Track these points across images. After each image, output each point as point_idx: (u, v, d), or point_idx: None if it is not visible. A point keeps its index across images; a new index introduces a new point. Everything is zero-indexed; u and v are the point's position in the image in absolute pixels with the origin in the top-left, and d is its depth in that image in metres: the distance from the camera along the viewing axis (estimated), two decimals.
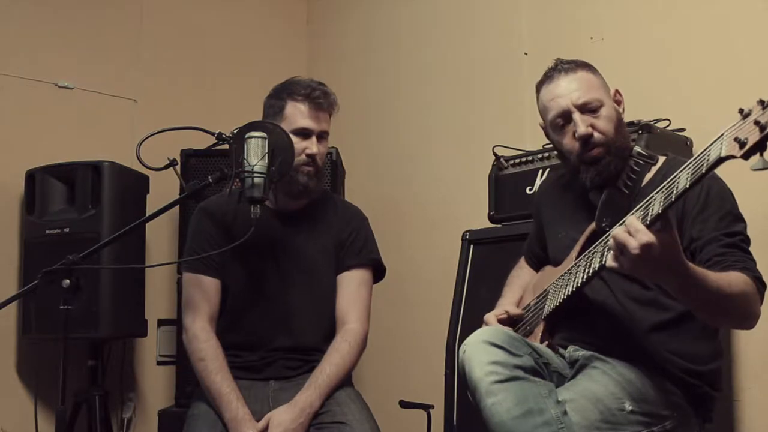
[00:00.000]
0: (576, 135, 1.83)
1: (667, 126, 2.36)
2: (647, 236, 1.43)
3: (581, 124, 1.82)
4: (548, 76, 1.92)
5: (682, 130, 2.37)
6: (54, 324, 1.99)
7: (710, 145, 1.37)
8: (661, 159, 1.88)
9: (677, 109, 2.43)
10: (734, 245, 1.69)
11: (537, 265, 2.17)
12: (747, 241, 1.73)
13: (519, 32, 3.10)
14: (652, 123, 2.29)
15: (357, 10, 3.90)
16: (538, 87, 1.95)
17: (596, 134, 1.83)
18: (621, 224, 1.52)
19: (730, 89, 2.35)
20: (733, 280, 1.59)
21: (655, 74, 2.62)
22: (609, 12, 2.81)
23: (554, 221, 2.06)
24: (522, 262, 2.23)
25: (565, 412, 1.59)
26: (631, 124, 2.24)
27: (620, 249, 1.47)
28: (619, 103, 1.93)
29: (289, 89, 2.20)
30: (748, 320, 1.65)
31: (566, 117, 1.86)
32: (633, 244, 1.44)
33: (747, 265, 1.66)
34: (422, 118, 3.46)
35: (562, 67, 1.91)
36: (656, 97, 2.56)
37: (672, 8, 2.61)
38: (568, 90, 1.86)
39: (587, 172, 1.85)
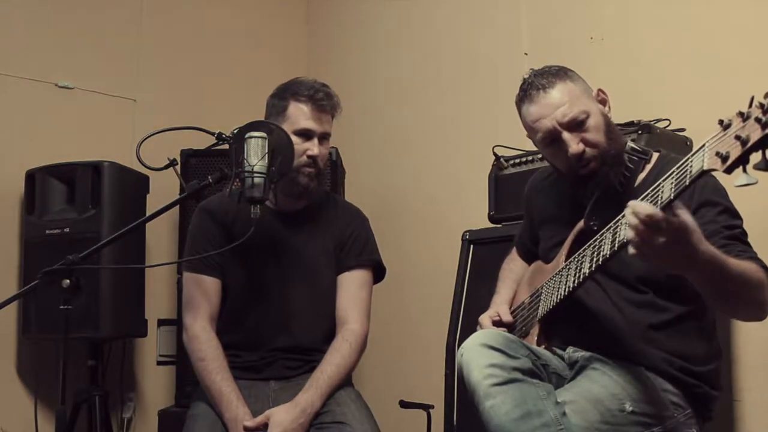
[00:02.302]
0: (568, 154, 1.79)
1: (667, 126, 2.36)
2: (666, 222, 1.38)
3: (571, 143, 1.78)
4: (527, 95, 1.85)
5: (682, 130, 2.37)
6: (54, 324, 2.00)
7: (692, 156, 1.36)
8: (654, 156, 1.87)
9: (677, 109, 2.42)
10: (735, 237, 1.68)
11: (529, 258, 2.16)
12: (746, 234, 1.73)
13: (519, 32, 3.10)
14: (652, 123, 2.28)
15: (357, 10, 3.90)
16: (518, 104, 1.89)
17: (588, 150, 1.79)
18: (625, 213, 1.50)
19: (729, 89, 2.35)
20: (749, 266, 1.57)
21: (655, 74, 2.62)
22: (609, 12, 2.81)
23: (544, 219, 2.06)
24: (514, 253, 2.23)
25: (564, 413, 1.59)
26: (631, 124, 2.25)
27: (642, 239, 1.42)
28: (604, 102, 1.88)
29: (292, 89, 2.20)
30: (763, 309, 1.62)
31: (553, 137, 1.81)
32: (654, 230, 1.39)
33: (752, 254, 1.65)
34: (422, 117, 3.46)
35: (539, 83, 1.82)
36: (656, 97, 2.56)
37: (672, 8, 2.61)
38: (550, 109, 1.80)
39: (585, 185, 1.83)
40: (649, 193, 1.48)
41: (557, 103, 1.80)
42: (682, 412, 1.74)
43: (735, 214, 1.74)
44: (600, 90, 1.89)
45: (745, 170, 1.24)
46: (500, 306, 2.03)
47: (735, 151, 1.24)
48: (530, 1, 3.08)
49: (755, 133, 1.21)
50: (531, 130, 1.88)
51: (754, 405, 2.30)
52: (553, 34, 2.98)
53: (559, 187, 2.02)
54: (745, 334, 2.30)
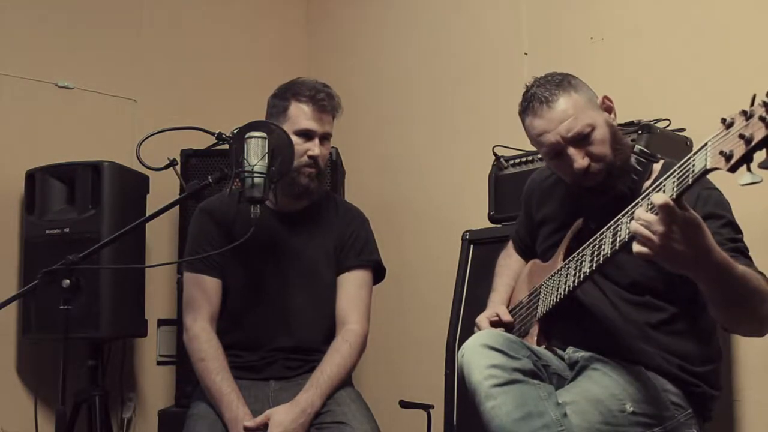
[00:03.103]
0: (573, 168, 1.78)
1: (667, 126, 2.36)
2: (675, 212, 1.36)
3: (576, 157, 1.76)
4: (531, 107, 1.82)
5: (682, 130, 2.37)
6: (54, 324, 1.99)
7: (694, 155, 1.35)
8: (660, 163, 1.86)
9: (677, 109, 2.43)
10: (738, 250, 1.67)
11: (525, 253, 2.16)
12: (748, 249, 1.72)
13: (519, 32, 3.10)
14: (652, 123, 2.28)
15: (356, 10, 3.90)
16: (521, 115, 1.87)
17: (593, 164, 1.77)
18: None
19: (730, 89, 2.35)
20: (754, 275, 1.55)
21: (655, 74, 2.62)
22: (609, 12, 2.81)
23: (544, 218, 2.06)
24: (510, 249, 2.22)
25: (564, 414, 1.59)
26: (631, 124, 2.25)
27: (644, 237, 1.39)
28: (609, 110, 1.85)
29: (293, 90, 2.20)
30: (764, 324, 1.59)
31: (558, 150, 1.79)
32: (658, 225, 1.37)
33: (754, 268, 1.63)
34: (422, 117, 3.46)
35: (542, 96, 1.79)
36: (656, 97, 2.56)
37: (672, 8, 2.61)
38: (554, 123, 1.77)
39: (592, 197, 1.82)
40: (650, 191, 1.47)
41: (561, 117, 1.77)
42: (682, 412, 1.75)
43: (738, 229, 1.74)
44: (606, 97, 1.86)
45: (749, 169, 1.23)
46: (498, 306, 2.03)
47: (739, 150, 1.23)
48: (530, 1, 3.08)
49: (759, 132, 1.20)
50: (535, 143, 1.86)
51: (754, 405, 2.31)
52: (553, 34, 2.98)
53: (560, 188, 2.01)
54: None
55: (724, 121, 1.27)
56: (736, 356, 2.33)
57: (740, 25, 2.43)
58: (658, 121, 2.35)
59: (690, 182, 1.36)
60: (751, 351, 2.32)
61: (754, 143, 1.21)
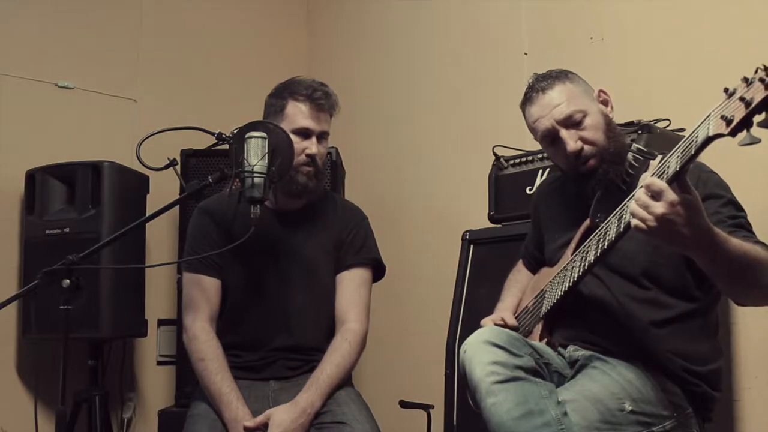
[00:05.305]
0: (566, 152, 1.83)
1: (667, 126, 2.36)
2: (671, 194, 1.40)
3: (569, 140, 1.82)
4: (528, 97, 1.91)
5: (682, 130, 2.37)
6: (54, 324, 2.00)
7: (698, 127, 1.38)
8: (658, 158, 1.87)
9: (677, 109, 2.42)
10: (740, 225, 1.69)
11: (535, 268, 2.17)
12: (750, 225, 1.73)
13: (519, 32, 3.10)
14: (652, 123, 2.29)
15: (356, 11, 3.91)
16: (522, 108, 1.94)
17: (586, 147, 1.83)
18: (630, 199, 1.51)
19: None
20: (753, 247, 1.56)
21: (655, 74, 2.62)
22: (609, 12, 2.81)
23: (551, 223, 2.07)
24: (520, 265, 2.24)
25: (565, 413, 1.59)
26: (631, 124, 2.25)
27: (644, 210, 1.42)
28: (605, 103, 1.92)
29: (290, 89, 2.20)
30: None
31: (553, 136, 1.86)
32: (657, 202, 1.40)
33: (756, 240, 1.65)
34: (422, 117, 3.47)
35: (539, 85, 1.89)
36: (656, 97, 2.56)
37: (672, 8, 2.61)
38: (548, 108, 1.85)
39: (587, 183, 1.85)
40: (656, 171, 1.48)
41: (555, 102, 1.85)
42: (682, 412, 1.74)
43: (739, 207, 1.75)
44: (601, 90, 1.92)
45: (749, 131, 1.26)
46: (504, 312, 2.03)
47: (739, 113, 1.26)
48: (530, 1, 3.08)
49: (759, 94, 1.23)
50: (533, 131, 1.92)
51: (754, 405, 2.31)
52: (553, 34, 2.98)
53: (564, 190, 2.03)
54: (745, 334, 2.30)
55: (726, 90, 1.30)
56: (736, 356, 2.33)
57: (740, 25, 2.43)
58: (658, 121, 2.34)
59: (693, 152, 1.38)
60: (751, 351, 2.32)
61: (753, 105, 1.24)
